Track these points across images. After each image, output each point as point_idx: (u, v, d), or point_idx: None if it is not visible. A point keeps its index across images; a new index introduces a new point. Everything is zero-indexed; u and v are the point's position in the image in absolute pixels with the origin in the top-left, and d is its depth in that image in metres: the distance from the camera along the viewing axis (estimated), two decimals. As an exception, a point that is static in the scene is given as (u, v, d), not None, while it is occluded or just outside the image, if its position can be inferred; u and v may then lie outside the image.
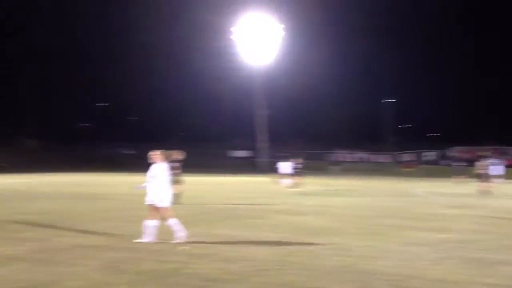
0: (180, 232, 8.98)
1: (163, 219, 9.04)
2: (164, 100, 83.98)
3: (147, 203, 9.09)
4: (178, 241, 8.90)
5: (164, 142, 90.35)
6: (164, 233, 9.06)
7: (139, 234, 9.15)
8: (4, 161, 55.17)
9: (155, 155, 9.29)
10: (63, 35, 71.90)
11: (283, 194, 22.38)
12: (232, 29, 58.98)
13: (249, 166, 63.62)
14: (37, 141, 73.48)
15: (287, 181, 28.06)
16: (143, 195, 9.23)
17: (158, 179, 9.01)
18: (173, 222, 9.01)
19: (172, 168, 10.95)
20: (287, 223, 12.32)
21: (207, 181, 33.55)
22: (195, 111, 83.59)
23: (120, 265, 7.30)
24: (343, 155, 68.72)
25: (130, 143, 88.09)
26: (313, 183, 30.03)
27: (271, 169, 34.12)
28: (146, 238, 8.97)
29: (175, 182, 13.33)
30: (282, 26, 57.61)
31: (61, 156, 71.18)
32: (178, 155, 15.39)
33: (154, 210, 8.97)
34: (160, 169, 9.14)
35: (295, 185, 26.71)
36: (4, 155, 58.74)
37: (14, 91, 74.32)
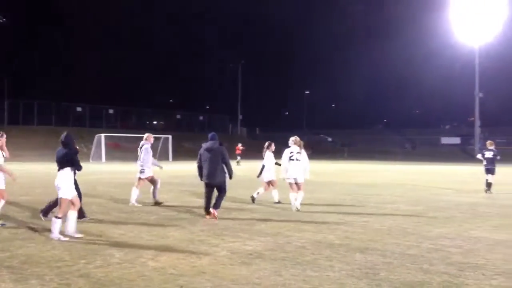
0: None
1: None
2: (366, 86, 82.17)
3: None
4: None
5: (365, 129, 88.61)
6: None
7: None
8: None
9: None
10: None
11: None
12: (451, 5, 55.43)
13: (460, 154, 59.15)
14: (245, 129, 77.44)
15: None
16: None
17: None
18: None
19: None
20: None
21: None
22: (400, 96, 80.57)
23: (377, 272, 6.08)
24: None
25: (331, 130, 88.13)
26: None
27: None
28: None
29: None
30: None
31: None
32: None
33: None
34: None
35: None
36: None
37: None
